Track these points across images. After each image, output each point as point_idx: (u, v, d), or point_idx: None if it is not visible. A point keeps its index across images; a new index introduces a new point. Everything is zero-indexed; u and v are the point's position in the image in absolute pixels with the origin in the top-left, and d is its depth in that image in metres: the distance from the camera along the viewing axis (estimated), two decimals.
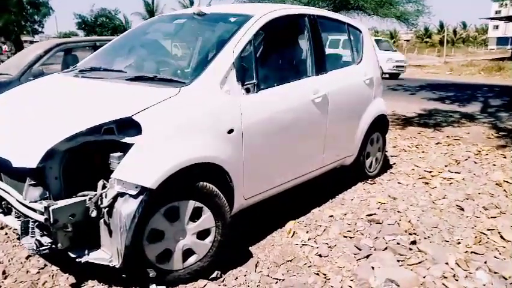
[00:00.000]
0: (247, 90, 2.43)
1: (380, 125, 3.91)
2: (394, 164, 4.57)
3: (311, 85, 2.95)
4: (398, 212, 3.26)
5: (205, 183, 2.13)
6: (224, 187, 2.30)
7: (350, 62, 3.65)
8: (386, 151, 4.84)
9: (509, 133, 6.20)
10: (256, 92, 2.47)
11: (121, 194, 1.88)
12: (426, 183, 3.94)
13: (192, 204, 2.10)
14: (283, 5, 4.08)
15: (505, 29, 55.69)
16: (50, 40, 6.23)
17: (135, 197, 1.87)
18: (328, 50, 3.51)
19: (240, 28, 2.52)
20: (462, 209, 3.32)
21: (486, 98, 10.37)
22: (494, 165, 4.52)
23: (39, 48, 5.09)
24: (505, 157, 4.84)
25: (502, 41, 57.97)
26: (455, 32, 66.35)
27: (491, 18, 49.15)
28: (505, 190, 3.72)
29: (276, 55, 3.04)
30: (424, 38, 65.69)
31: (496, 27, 60.94)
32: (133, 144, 1.92)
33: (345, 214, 3.20)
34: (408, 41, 64.58)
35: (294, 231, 2.88)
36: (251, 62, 2.48)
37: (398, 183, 3.95)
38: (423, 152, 5.10)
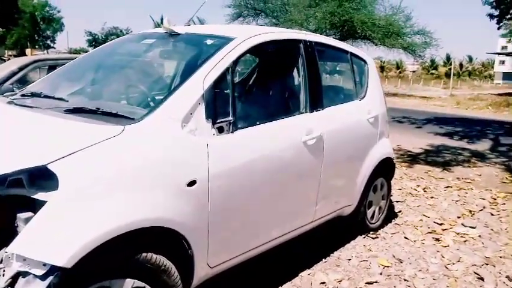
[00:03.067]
0: (220, 130, 1.92)
1: (385, 169, 3.38)
2: (400, 212, 4.01)
3: (304, 124, 2.44)
4: (405, 280, 2.69)
5: (149, 255, 1.60)
6: (180, 256, 1.77)
7: (353, 96, 3.15)
8: (391, 195, 4.30)
9: None
10: (232, 132, 1.97)
11: (23, 274, 1.35)
12: (437, 239, 3.37)
13: (129, 283, 1.56)
14: (273, 28, 3.61)
15: None
16: (28, 56, 5.83)
17: (42, 278, 1.33)
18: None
19: (216, 53, 2.04)
20: (481, 279, 2.75)
21: (496, 135, 9.84)
22: None
23: (14, 64, 4.67)
24: None
25: (508, 76, 57.96)
26: (461, 65, 66.48)
27: (499, 53, 49.33)
28: None
29: (262, 87, 2.55)
30: (430, 70, 65.81)
31: (503, 62, 61.15)
32: (46, 202, 1.40)
33: (340, 281, 2.63)
34: (414, 71, 64.72)
35: None
36: (228, 95, 1.99)
37: (405, 238, 3.38)
38: (432, 197, 4.54)
